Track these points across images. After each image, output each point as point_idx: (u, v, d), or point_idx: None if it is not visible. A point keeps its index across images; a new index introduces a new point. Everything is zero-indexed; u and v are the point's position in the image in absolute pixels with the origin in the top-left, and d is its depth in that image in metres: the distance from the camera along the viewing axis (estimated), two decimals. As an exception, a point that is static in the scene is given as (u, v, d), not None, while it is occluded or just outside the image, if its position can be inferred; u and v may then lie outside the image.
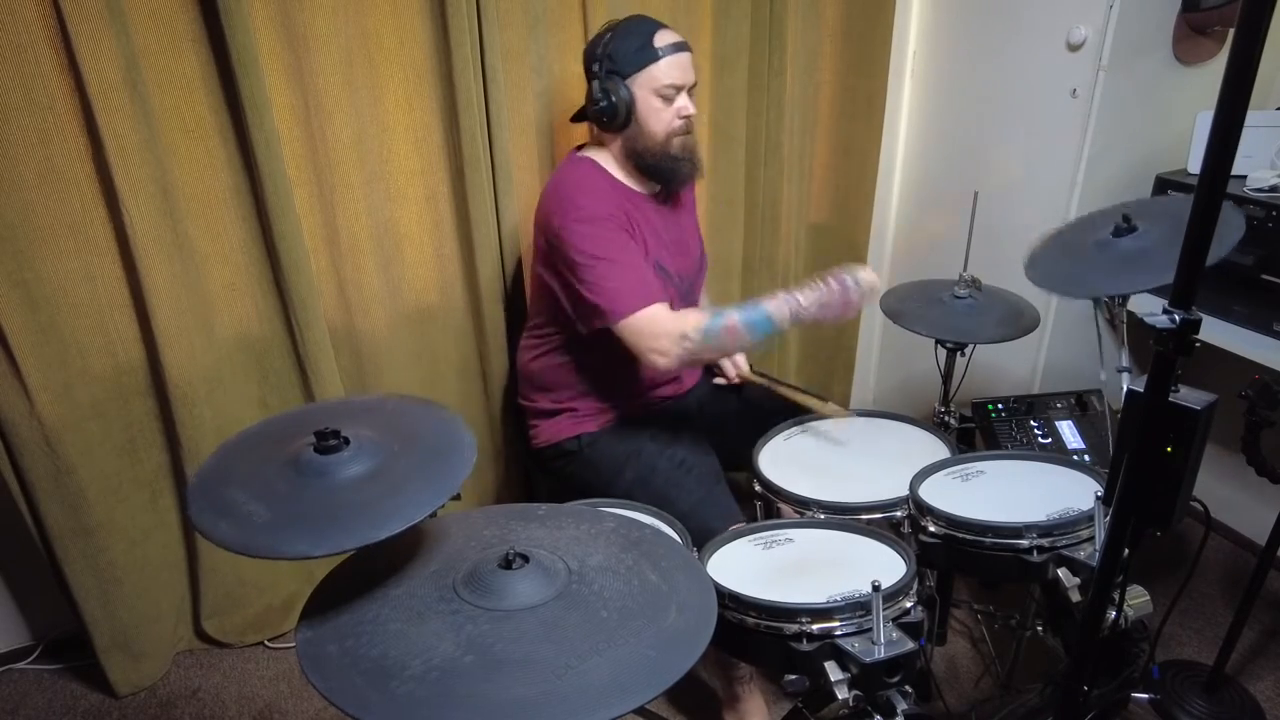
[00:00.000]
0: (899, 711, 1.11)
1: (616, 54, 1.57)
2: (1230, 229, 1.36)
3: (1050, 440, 1.75)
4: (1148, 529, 0.99)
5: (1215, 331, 1.83)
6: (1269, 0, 0.72)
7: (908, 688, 1.12)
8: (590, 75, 1.61)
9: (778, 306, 1.49)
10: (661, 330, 1.51)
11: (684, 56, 1.59)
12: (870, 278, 1.49)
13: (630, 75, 1.57)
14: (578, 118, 1.71)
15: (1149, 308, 0.87)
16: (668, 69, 1.57)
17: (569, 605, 0.90)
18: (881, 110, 2.35)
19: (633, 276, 1.55)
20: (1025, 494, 1.38)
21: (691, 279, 1.80)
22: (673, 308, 1.70)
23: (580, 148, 1.74)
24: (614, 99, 1.57)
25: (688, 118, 1.62)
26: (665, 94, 1.58)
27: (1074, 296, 1.67)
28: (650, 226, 1.69)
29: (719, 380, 1.92)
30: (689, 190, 1.83)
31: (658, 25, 1.59)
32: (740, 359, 1.90)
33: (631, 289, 1.54)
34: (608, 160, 1.68)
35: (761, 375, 1.87)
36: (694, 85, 1.64)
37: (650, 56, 1.56)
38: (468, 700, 0.79)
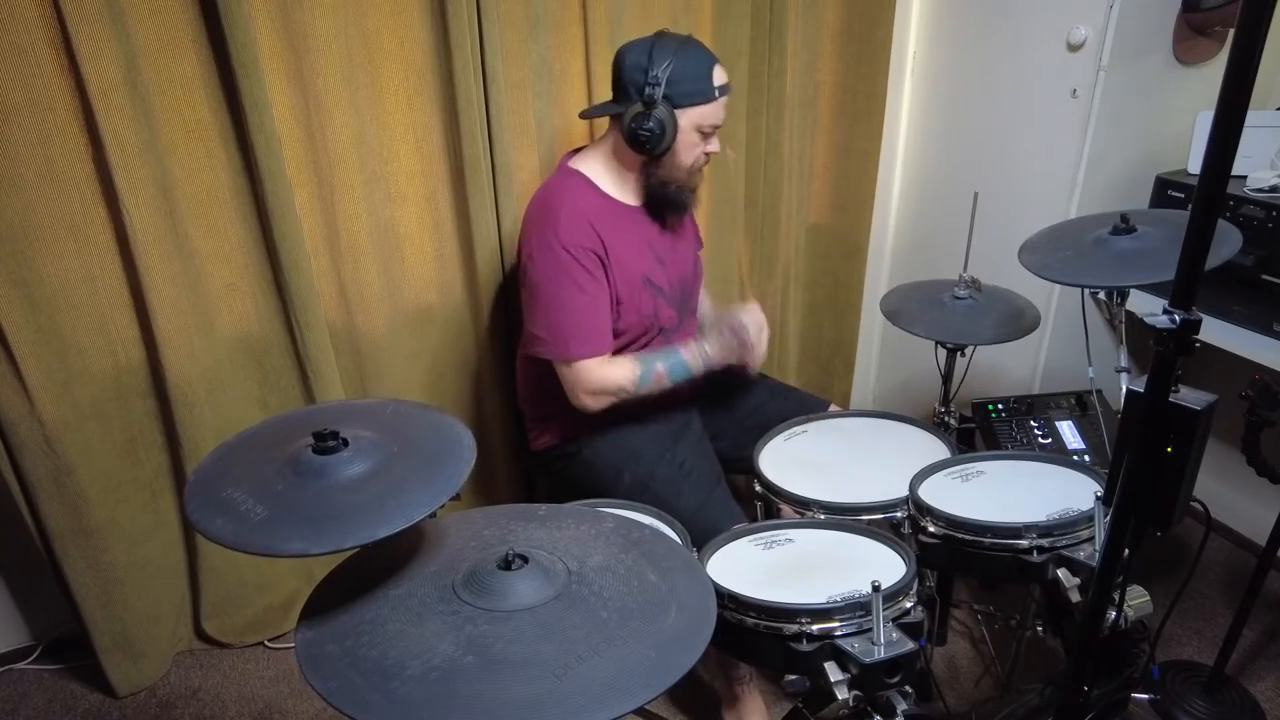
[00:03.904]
0: (899, 712, 1.11)
1: (675, 80, 1.51)
2: (1225, 244, 1.36)
3: (1050, 440, 1.75)
4: (1148, 529, 0.99)
5: (1215, 331, 1.83)
6: (1269, 0, 0.72)
7: (908, 688, 1.12)
8: (638, 93, 1.53)
9: (693, 357, 1.65)
10: (599, 382, 1.60)
11: (728, 98, 1.59)
12: (755, 317, 1.66)
13: (683, 106, 1.54)
14: (587, 115, 1.69)
15: (1149, 308, 0.87)
16: (717, 110, 1.57)
17: (569, 605, 0.90)
18: (881, 110, 2.35)
19: (584, 322, 1.58)
20: (1025, 494, 1.38)
21: (686, 289, 1.79)
22: (663, 323, 1.71)
23: (574, 153, 1.72)
24: (663, 127, 1.53)
25: (710, 155, 1.63)
26: (706, 131, 1.58)
27: (1066, 284, 1.66)
28: (641, 240, 1.68)
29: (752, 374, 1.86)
30: None
31: (714, 59, 1.56)
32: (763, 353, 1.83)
33: (581, 335, 1.58)
34: (601, 172, 1.66)
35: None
36: None
37: (708, 94, 1.54)
38: (468, 701, 0.79)
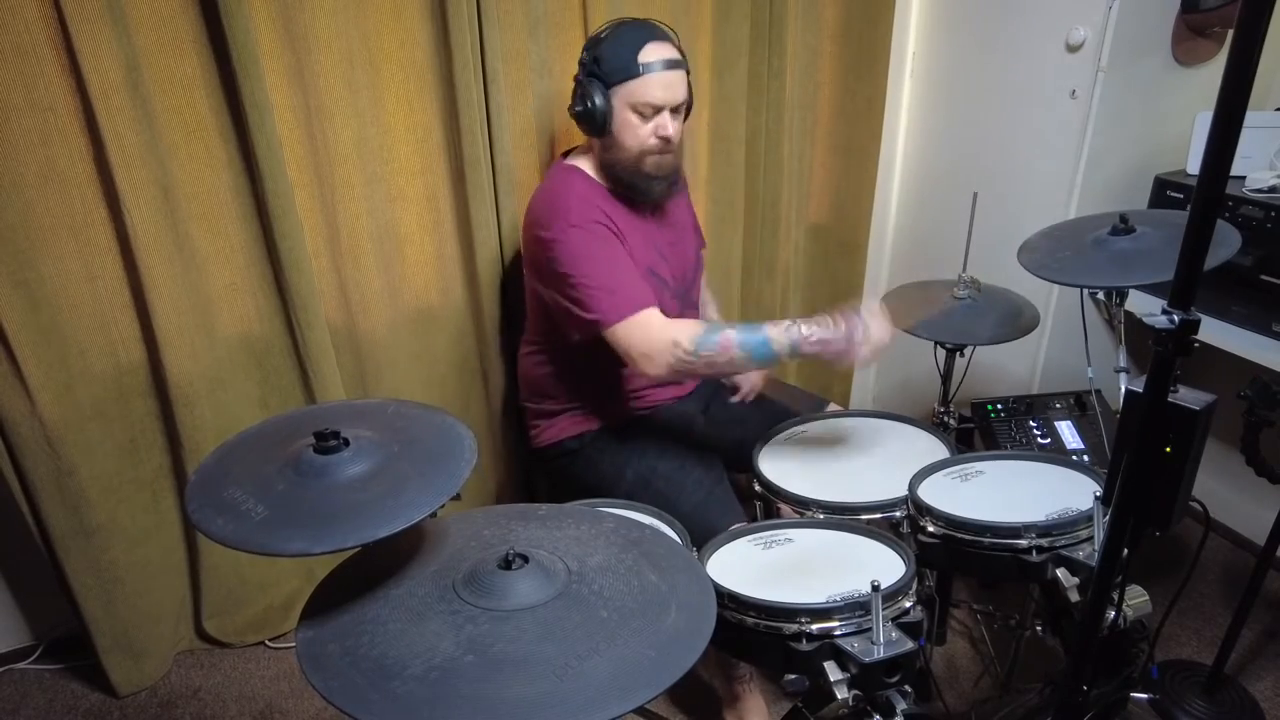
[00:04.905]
0: (898, 711, 1.11)
1: (602, 59, 1.52)
2: (1224, 245, 1.36)
3: (1049, 440, 1.75)
4: (1147, 529, 0.99)
5: (1214, 332, 1.84)
6: (1268, 0, 0.72)
7: (907, 688, 1.12)
8: (577, 74, 1.58)
9: (780, 333, 1.42)
10: (654, 336, 1.47)
11: (671, 75, 1.52)
12: (880, 335, 1.39)
13: (612, 85, 1.53)
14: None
15: (1148, 308, 0.87)
16: (647, 87, 1.51)
17: (569, 605, 0.90)
18: (881, 111, 2.35)
19: (625, 280, 1.52)
20: (1024, 494, 1.38)
21: (688, 282, 1.79)
22: (666, 314, 1.71)
23: (569, 153, 1.73)
24: (590, 105, 1.53)
25: (666, 139, 1.56)
26: (642, 111, 1.53)
27: (1064, 284, 1.66)
28: (641, 233, 1.67)
29: (735, 399, 1.86)
30: (682, 194, 1.81)
31: (651, 36, 1.53)
32: (755, 379, 1.84)
33: (624, 293, 1.51)
34: (595, 167, 1.66)
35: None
36: (683, 105, 1.58)
37: (632, 71, 1.50)
38: (468, 700, 0.79)
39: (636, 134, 1.56)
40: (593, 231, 1.55)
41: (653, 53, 1.51)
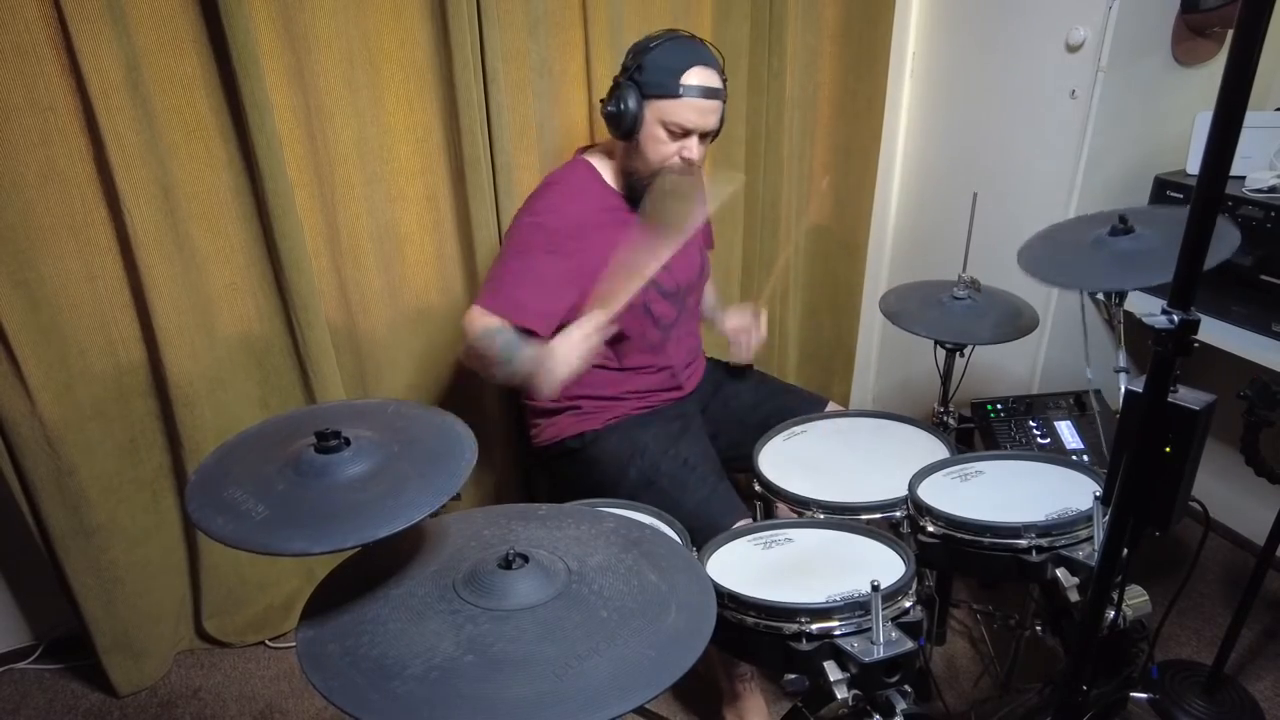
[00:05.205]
0: (898, 711, 1.11)
1: (645, 69, 1.53)
2: (1223, 243, 1.36)
3: (1049, 440, 1.75)
4: (1146, 529, 0.99)
5: (1214, 332, 1.84)
6: (1268, 0, 0.72)
7: (907, 687, 1.12)
8: (619, 74, 1.59)
9: (528, 348, 1.52)
10: (465, 325, 1.56)
11: (707, 103, 1.54)
12: (563, 359, 1.50)
13: (648, 97, 1.54)
14: None
15: (1148, 308, 0.87)
16: (681, 109, 1.53)
17: (569, 605, 0.90)
18: (881, 111, 2.35)
19: (523, 287, 1.55)
20: (1024, 494, 1.38)
21: (689, 286, 1.79)
22: (660, 318, 1.71)
23: (587, 149, 1.74)
24: (623, 108, 1.55)
25: (689, 161, 1.59)
26: (672, 129, 1.55)
27: (1064, 287, 1.66)
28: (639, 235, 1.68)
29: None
30: None
31: (698, 60, 1.53)
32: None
33: (511, 293, 1.55)
34: (608, 164, 1.67)
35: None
36: (713, 132, 1.60)
37: (671, 90, 1.52)
38: (468, 700, 0.79)
39: (660, 150, 1.57)
40: (539, 229, 1.58)
41: (695, 77, 1.53)
